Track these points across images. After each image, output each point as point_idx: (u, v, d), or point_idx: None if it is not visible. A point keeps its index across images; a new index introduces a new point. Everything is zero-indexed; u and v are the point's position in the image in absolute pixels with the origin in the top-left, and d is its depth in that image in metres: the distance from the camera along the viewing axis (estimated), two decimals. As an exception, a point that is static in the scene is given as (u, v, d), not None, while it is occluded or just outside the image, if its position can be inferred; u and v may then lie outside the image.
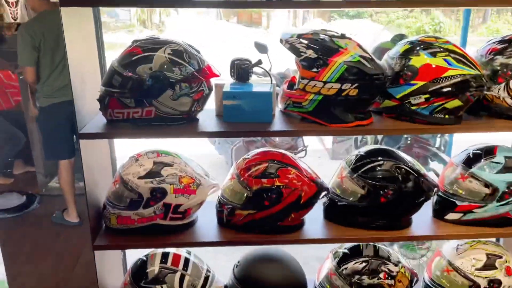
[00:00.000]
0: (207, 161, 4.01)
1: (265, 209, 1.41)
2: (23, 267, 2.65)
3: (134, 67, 1.29)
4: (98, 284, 1.47)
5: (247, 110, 1.36)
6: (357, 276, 1.54)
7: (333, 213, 1.54)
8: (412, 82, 1.35)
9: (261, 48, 2.81)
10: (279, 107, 1.50)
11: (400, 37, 1.66)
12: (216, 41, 9.74)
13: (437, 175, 2.81)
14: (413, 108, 1.37)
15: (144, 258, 1.55)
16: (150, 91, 1.29)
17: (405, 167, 1.45)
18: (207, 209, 1.53)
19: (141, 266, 1.54)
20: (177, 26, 12.16)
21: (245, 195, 1.42)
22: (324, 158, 4.78)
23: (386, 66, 1.40)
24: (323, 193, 1.47)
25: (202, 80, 1.34)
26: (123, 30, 11.90)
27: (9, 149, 3.56)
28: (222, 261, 2.27)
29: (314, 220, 1.53)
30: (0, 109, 3.48)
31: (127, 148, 1.65)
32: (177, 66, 1.29)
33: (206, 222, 1.53)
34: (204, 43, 5.32)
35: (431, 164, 3.13)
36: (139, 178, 1.39)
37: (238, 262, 1.62)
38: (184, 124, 1.36)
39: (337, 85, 1.30)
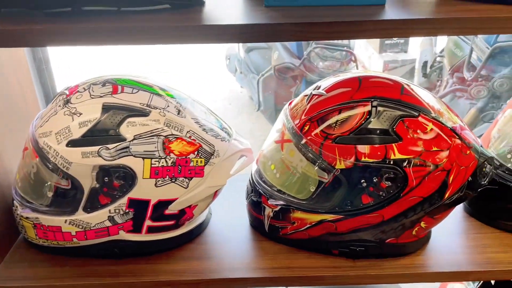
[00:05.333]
0: (222, 97, 3.11)
1: (365, 212, 0.61)
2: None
3: None
4: None
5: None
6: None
7: (493, 206, 0.73)
8: None
9: None
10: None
11: None
12: None
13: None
14: None
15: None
16: None
17: None
18: (234, 184, 0.74)
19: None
20: None
21: (314, 179, 0.62)
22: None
23: None
24: (487, 169, 0.66)
25: None
26: None
27: None
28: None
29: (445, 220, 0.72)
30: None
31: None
32: None
33: (229, 221, 0.76)
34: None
35: None
36: (70, 145, 0.60)
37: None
38: (170, 11, 0.54)
39: None
